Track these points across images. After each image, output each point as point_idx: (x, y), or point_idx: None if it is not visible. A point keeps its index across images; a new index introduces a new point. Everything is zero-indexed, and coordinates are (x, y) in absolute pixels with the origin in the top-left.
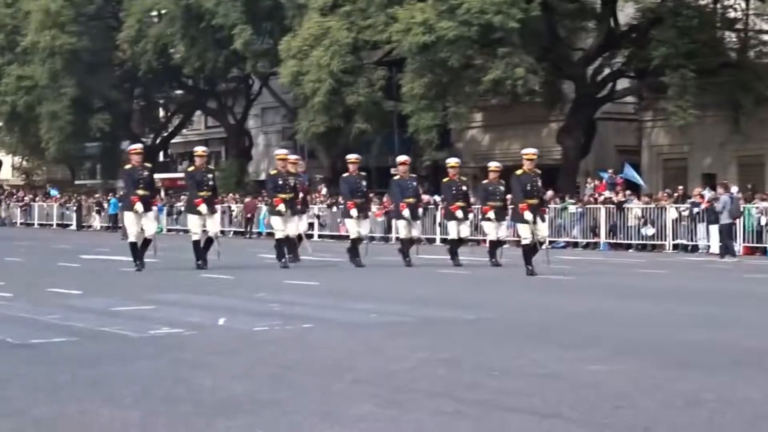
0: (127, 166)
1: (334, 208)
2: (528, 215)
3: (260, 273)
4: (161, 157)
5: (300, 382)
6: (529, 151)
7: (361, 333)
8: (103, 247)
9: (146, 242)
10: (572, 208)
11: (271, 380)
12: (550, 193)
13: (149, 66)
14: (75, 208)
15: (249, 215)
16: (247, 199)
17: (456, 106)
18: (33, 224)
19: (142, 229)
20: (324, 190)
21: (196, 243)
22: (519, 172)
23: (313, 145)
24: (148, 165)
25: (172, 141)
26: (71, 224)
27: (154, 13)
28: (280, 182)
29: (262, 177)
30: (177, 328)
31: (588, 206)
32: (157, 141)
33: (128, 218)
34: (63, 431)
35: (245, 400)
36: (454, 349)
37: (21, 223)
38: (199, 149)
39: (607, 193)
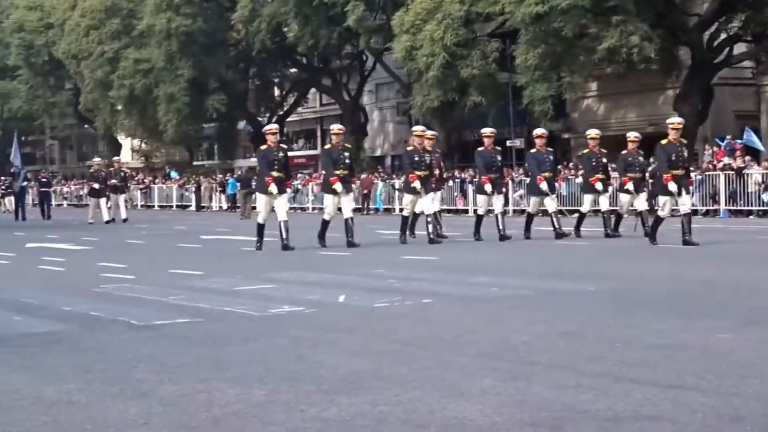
0: (263, 147)
1: (450, 182)
2: (672, 186)
3: (378, 249)
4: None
5: (421, 358)
6: (675, 120)
7: (481, 307)
8: (223, 227)
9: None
10: (691, 176)
11: (391, 356)
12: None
13: (263, 45)
14: (194, 189)
15: (366, 191)
16: (363, 176)
17: (571, 76)
18: (153, 206)
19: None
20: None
21: (326, 222)
22: (664, 141)
23: (428, 120)
24: (284, 146)
25: (288, 120)
26: (191, 205)
27: None
28: (417, 158)
29: (378, 153)
30: (298, 306)
31: (707, 173)
32: (273, 120)
33: (260, 199)
34: (188, 411)
35: (366, 377)
36: (574, 321)
37: (141, 206)
38: (335, 127)
39: (726, 160)
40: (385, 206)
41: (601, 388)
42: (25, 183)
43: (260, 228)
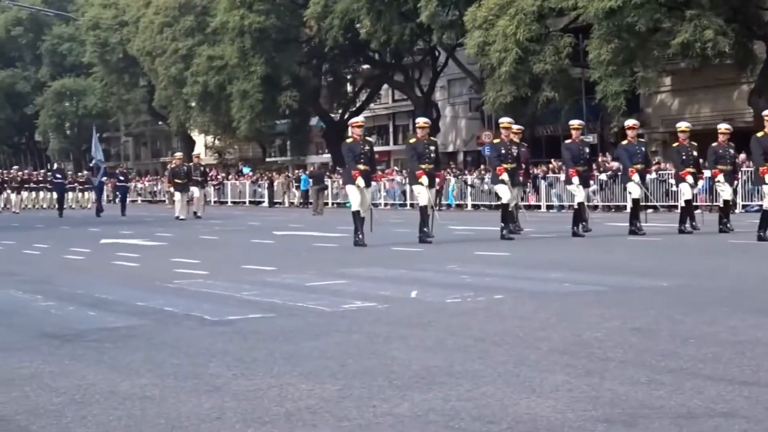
0: (348, 140)
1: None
2: None
3: (450, 245)
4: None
5: (493, 353)
6: None
7: (554, 302)
8: (296, 223)
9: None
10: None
11: (464, 352)
12: (742, 156)
13: (336, 41)
14: (267, 185)
15: (438, 188)
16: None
17: (644, 70)
18: (226, 202)
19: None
20: None
21: (423, 208)
22: (760, 134)
23: (500, 115)
24: (370, 139)
25: (360, 116)
26: (263, 201)
27: None
28: (503, 151)
29: (450, 149)
30: (370, 302)
31: None
32: (345, 116)
33: (351, 191)
34: (261, 405)
35: (439, 373)
36: (647, 317)
37: (214, 202)
38: (421, 120)
39: None
40: (457, 202)
41: (675, 385)
42: (104, 178)
43: (356, 216)
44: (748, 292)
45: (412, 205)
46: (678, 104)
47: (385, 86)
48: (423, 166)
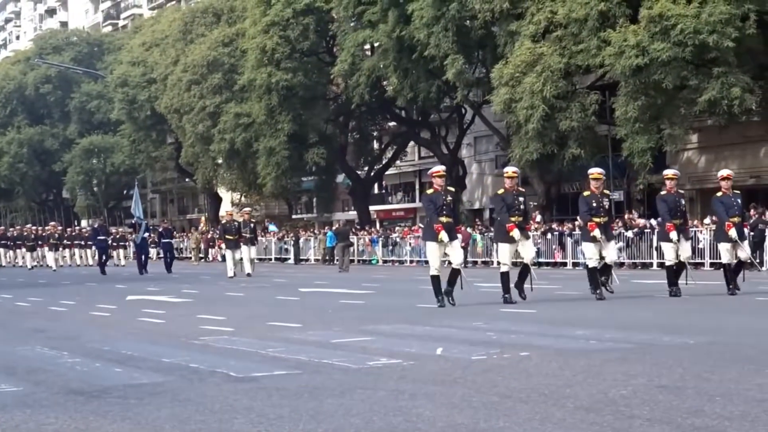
0: (429, 191)
1: (549, 235)
2: None
3: (475, 301)
4: (376, 189)
5: (519, 411)
6: None
7: (579, 360)
8: (321, 280)
9: (454, 273)
10: None
11: (490, 409)
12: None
13: (362, 99)
14: (293, 242)
15: (463, 245)
16: (461, 229)
17: (671, 127)
18: (252, 259)
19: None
20: (539, 218)
21: (505, 275)
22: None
23: (526, 172)
24: (452, 189)
25: (387, 173)
26: (289, 258)
27: (367, 46)
28: (594, 204)
29: (476, 206)
30: (395, 359)
31: None
32: (372, 173)
33: (431, 249)
34: None
35: (465, 430)
36: (673, 375)
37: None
38: (510, 170)
39: None
40: (483, 259)
41: None
42: (146, 234)
43: (435, 281)
44: None
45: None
46: (705, 161)
47: (412, 143)
48: (513, 219)
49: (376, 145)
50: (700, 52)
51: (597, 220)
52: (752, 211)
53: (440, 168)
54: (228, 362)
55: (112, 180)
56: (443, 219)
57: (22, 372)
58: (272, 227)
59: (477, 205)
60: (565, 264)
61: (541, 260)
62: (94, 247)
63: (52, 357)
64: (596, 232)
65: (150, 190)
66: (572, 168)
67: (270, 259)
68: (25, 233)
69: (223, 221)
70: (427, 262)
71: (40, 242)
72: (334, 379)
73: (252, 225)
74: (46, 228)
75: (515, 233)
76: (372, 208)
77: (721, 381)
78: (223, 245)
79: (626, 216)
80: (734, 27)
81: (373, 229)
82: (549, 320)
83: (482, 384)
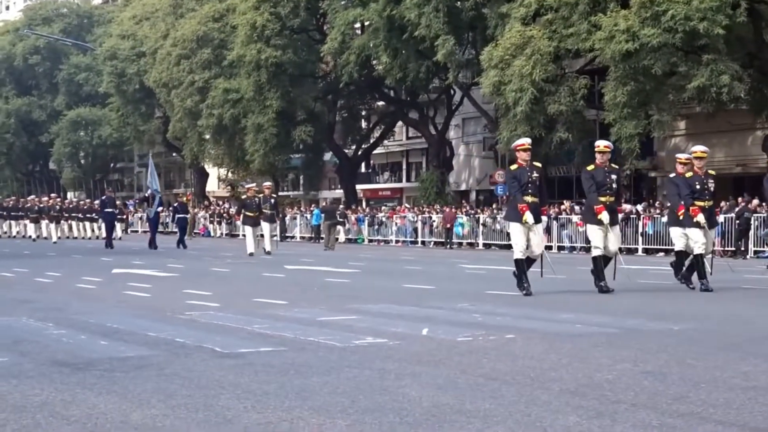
0: (513, 167)
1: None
2: None
3: (460, 283)
4: (363, 168)
5: (504, 393)
6: None
7: (565, 343)
8: (307, 257)
9: (530, 263)
10: None
11: (475, 390)
12: (755, 202)
13: (352, 77)
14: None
15: (448, 226)
16: (446, 209)
17: (659, 114)
18: (237, 235)
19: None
20: None
21: (597, 259)
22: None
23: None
24: (538, 164)
25: (374, 152)
26: (275, 235)
27: (358, 25)
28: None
29: (463, 188)
30: (381, 338)
31: None
32: (359, 152)
33: (515, 230)
34: None
35: (450, 411)
36: (658, 361)
37: (225, 234)
38: (602, 143)
39: None
40: (468, 241)
41: (686, 429)
42: (160, 208)
43: (519, 265)
44: (760, 338)
45: (423, 242)
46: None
47: (400, 123)
48: (603, 199)
49: (364, 124)
50: (690, 38)
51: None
52: (740, 199)
53: (525, 141)
54: (214, 338)
55: (100, 152)
56: (528, 198)
57: (7, 342)
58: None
59: (464, 187)
60: (550, 248)
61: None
62: (100, 220)
63: (38, 328)
64: (603, 216)
65: (137, 164)
66: (559, 152)
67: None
68: (28, 204)
69: (244, 196)
70: (412, 242)
71: (43, 214)
72: (320, 357)
73: (272, 201)
74: (44, 199)
75: (604, 216)
76: (359, 187)
77: (705, 368)
78: (239, 221)
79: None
80: (725, 14)
81: (359, 208)
82: (535, 304)
83: (468, 365)
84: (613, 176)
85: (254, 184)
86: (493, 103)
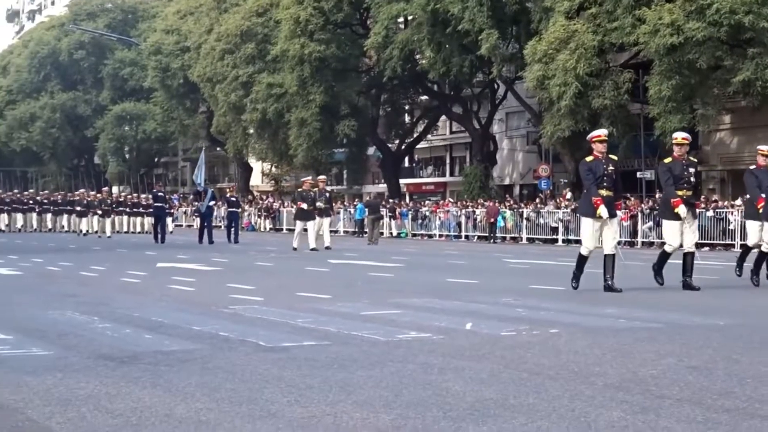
0: (588, 158)
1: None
2: None
3: (504, 278)
4: (406, 163)
5: (548, 388)
6: None
7: (609, 338)
8: (350, 251)
9: (608, 259)
10: None
11: (519, 385)
12: None
13: (395, 72)
14: None
15: (492, 220)
16: (490, 204)
17: (704, 108)
18: (281, 229)
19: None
20: (569, 195)
21: (666, 255)
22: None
23: (558, 149)
24: (614, 157)
25: (418, 146)
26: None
27: (401, 19)
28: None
29: (506, 182)
30: (425, 333)
31: None
32: (402, 147)
33: (586, 225)
34: None
35: (493, 405)
36: (703, 356)
37: (270, 229)
38: (680, 135)
39: None
40: (512, 235)
41: (731, 425)
42: (212, 202)
43: (582, 260)
44: None
45: (467, 237)
46: (737, 143)
47: (443, 118)
48: (680, 193)
49: (407, 118)
50: (736, 32)
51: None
52: None
53: (601, 132)
54: (258, 332)
55: (144, 147)
56: (603, 192)
57: (53, 336)
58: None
59: (507, 181)
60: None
61: (570, 238)
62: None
63: (83, 322)
64: (681, 209)
65: (181, 158)
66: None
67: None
68: (77, 198)
69: (300, 189)
70: (456, 236)
71: (91, 208)
72: (364, 351)
73: (327, 195)
74: (92, 194)
75: (681, 210)
76: (402, 181)
77: (751, 363)
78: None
79: (657, 195)
80: None
81: (403, 203)
82: (578, 298)
83: (511, 360)
84: (691, 169)
85: (310, 177)
86: (536, 97)
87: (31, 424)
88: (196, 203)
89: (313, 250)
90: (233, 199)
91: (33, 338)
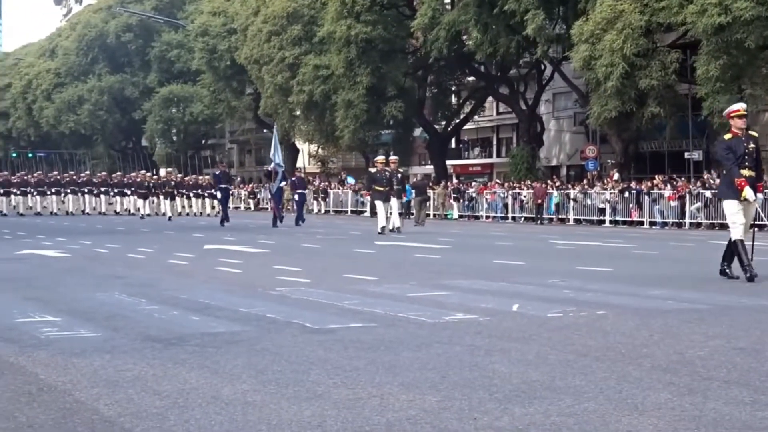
0: (726, 136)
1: (626, 194)
2: None
3: (551, 259)
4: (453, 144)
5: (595, 369)
6: None
7: (656, 319)
8: (397, 234)
9: (735, 246)
10: None
11: (565, 367)
12: None
13: (441, 53)
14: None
15: (539, 201)
16: (536, 185)
17: (752, 88)
18: (328, 211)
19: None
20: (616, 176)
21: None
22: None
23: (605, 130)
24: (754, 134)
25: (464, 127)
26: (365, 211)
27: (447, 0)
28: (739, 151)
29: (554, 163)
30: (471, 314)
31: None
32: (449, 128)
33: (730, 208)
34: (362, 414)
35: (540, 387)
36: (751, 337)
37: (316, 211)
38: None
39: None
40: (559, 216)
41: None
42: (283, 183)
43: (738, 247)
44: None
45: (513, 218)
46: None
47: (490, 99)
48: (744, 172)
49: (454, 99)
50: None
51: (745, 173)
52: None
53: (740, 106)
54: (304, 314)
55: (191, 129)
56: (745, 172)
57: (100, 318)
58: (350, 179)
59: (554, 162)
60: (642, 223)
61: (618, 219)
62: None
63: (131, 304)
64: (749, 193)
65: (228, 140)
66: (650, 126)
67: (346, 212)
68: (139, 180)
69: (374, 170)
70: (503, 217)
71: (155, 190)
72: (410, 333)
73: (399, 175)
74: (147, 175)
75: (749, 193)
76: (449, 162)
77: None
78: (368, 196)
79: (705, 176)
80: None
81: (449, 184)
82: (626, 279)
83: (558, 341)
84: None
85: (382, 157)
86: (583, 77)
87: (79, 405)
88: (267, 185)
89: (384, 230)
90: (300, 180)
91: (81, 320)
